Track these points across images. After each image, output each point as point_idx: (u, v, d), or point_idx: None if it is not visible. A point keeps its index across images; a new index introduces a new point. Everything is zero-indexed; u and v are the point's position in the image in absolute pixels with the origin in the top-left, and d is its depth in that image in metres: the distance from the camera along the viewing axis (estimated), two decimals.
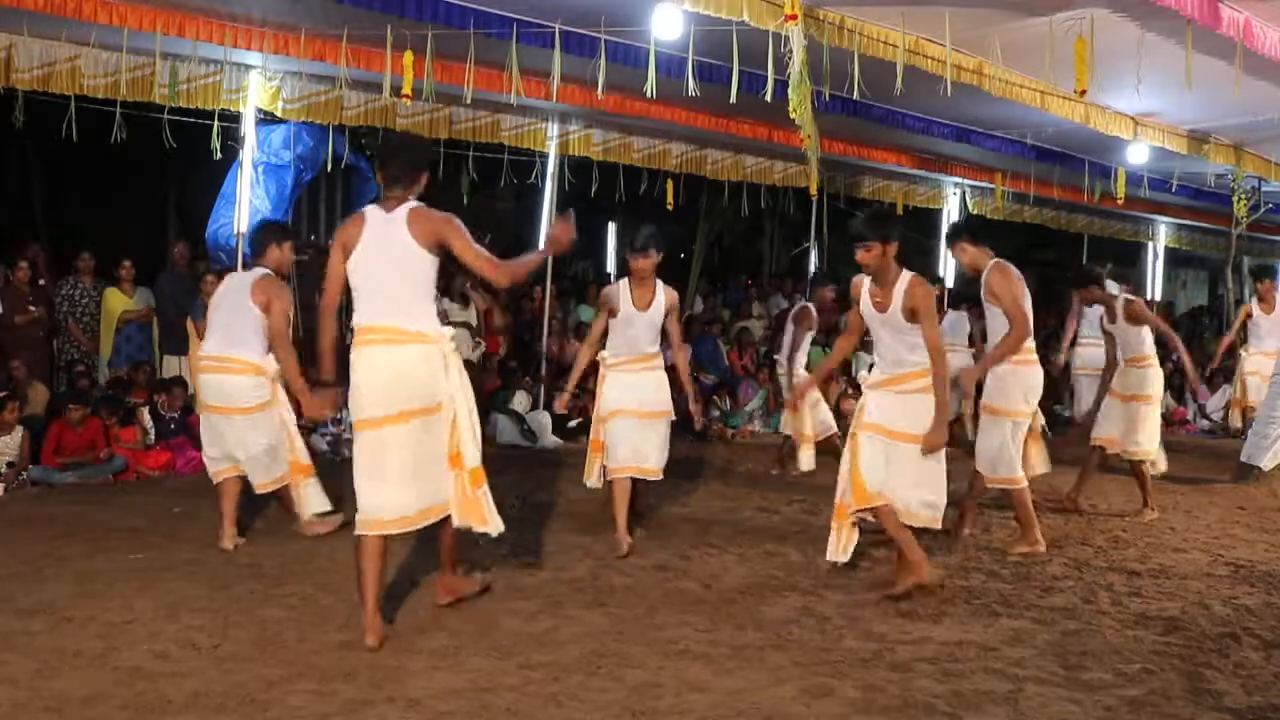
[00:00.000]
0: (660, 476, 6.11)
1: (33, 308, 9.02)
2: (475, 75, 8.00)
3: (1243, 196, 12.25)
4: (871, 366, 5.42)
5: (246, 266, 7.15)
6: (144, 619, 4.56)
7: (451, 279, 10.29)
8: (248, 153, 9.15)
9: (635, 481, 6.07)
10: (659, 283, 6.03)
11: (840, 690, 3.92)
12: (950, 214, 14.73)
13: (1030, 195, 14.23)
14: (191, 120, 8.83)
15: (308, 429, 8.24)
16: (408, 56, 7.64)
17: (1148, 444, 7.26)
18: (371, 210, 4.42)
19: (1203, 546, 6.43)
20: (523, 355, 11.43)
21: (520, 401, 10.31)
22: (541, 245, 4.60)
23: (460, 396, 4.36)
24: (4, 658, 4.07)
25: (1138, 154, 11.05)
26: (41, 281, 9.40)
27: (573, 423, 9.99)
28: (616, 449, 5.98)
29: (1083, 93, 7.50)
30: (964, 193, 14.65)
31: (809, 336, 8.61)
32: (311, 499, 6.00)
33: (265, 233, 6.16)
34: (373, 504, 4.33)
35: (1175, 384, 11.92)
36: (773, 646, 4.38)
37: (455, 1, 7.13)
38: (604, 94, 8.22)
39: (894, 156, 12.49)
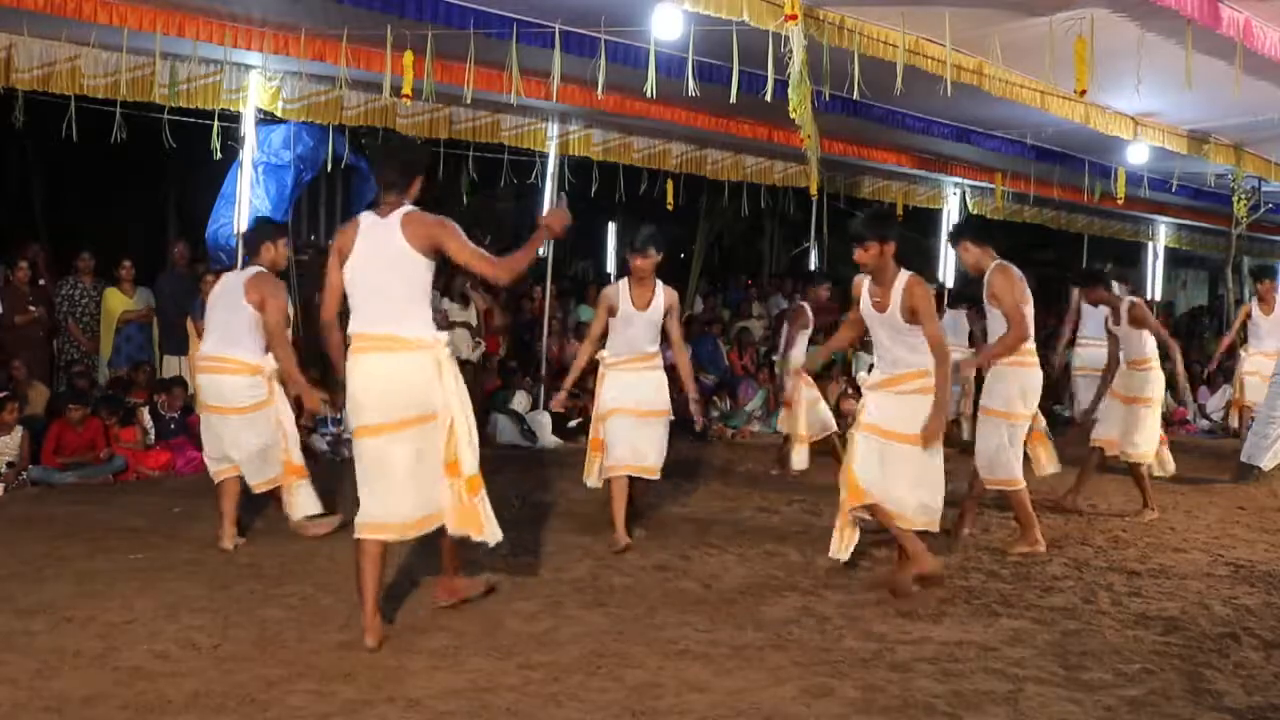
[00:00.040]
0: (658, 476, 6.12)
1: (33, 308, 9.02)
2: (475, 75, 7.99)
3: (1243, 196, 12.24)
4: (871, 368, 5.44)
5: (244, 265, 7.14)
6: (144, 619, 4.57)
7: (451, 279, 10.30)
8: (248, 153, 9.15)
9: (634, 481, 6.08)
10: (659, 283, 6.05)
11: (840, 690, 3.92)
12: (950, 214, 14.73)
13: (1030, 195, 14.22)
14: (191, 120, 8.82)
15: (308, 429, 8.24)
16: (408, 56, 7.64)
17: (1146, 446, 7.27)
18: (366, 216, 4.41)
19: (1203, 546, 6.43)
20: (523, 355, 11.43)
21: (520, 401, 10.31)
22: (533, 241, 4.53)
23: (456, 403, 4.32)
24: (4, 658, 4.07)
25: (1138, 154, 11.04)
26: (41, 281, 9.40)
27: (573, 422, 9.99)
28: (614, 447, 6.00)
29: (1083, 93, 7.49)
30: (964, 193, 14.65)
31: (804, 335, 8.58)
32: (303, 501, 5.97)
33: (259, 230, 6.15)
34: (371, 510, 4.33)
35: (1175, 384, 11.91)
36: (773, 646, 4.38)
37: (455, 1, 7.12)
38: (604, 94, 8.21)
39: (894, 156, 12.48)
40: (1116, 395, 7.35)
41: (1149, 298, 16.35)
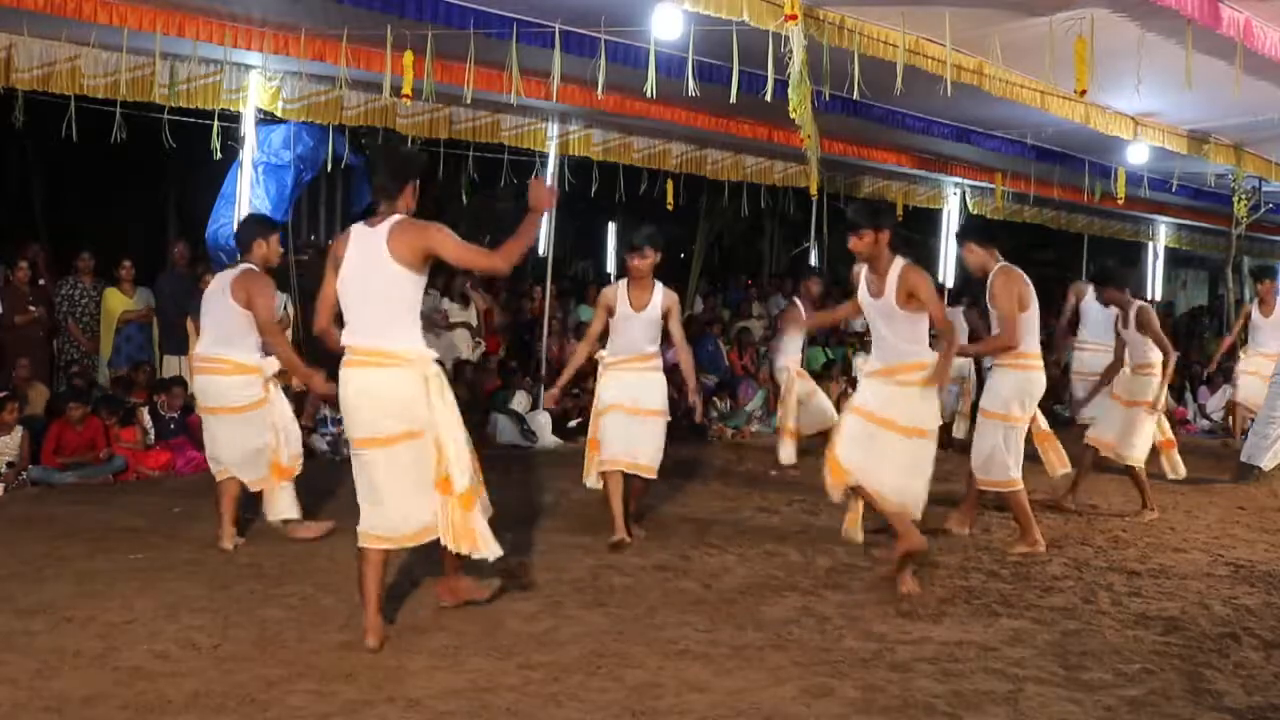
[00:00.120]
0: (653, 475, 6.13)
1: (33, 308, 9.02)
2: (475, 75, 7.99)
3: (1243, 196, 12.25)
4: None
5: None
6: (144, 619, 4.57)
7: (451, 279, 10.30)
8: (248, 153, 9.15)
9: (631, 480, 6.08)
10: (658, 284, 6.06)
11: (840, 690, 3.92)
12: (950, 214, 14.73)
13: (1030, 195, 14.22)
14: (191, 120, 8.82)
15: (308, 429, 8.24)
16: (408, 56, 7.64)
17: (1141, 450, 7.28)
18: (358, 227, 4.38)
19: (1203, 546, 6.43)
20: (523, 355, 11.44)
21: (520, 401, 10.31)
22: (527, 224, 4.44)
23: (445, 419, 4.26)
24: (4, 658, 4.07)
25: (1138, 154, 11.05)
26: (41, 281, 9.40)
27: (573, 422, 9.99)
28: (609, 443, 6.03)
29: (1083, 93, 7.49)
30: (964, 193, 14.64)
31: (797, 331, 8.54)
32: (281, 504, 5.92)
33: (250, 227, 6.08)
34: (369, 520, 4.34)
35: (1176, 384, 11.91)
36: (773, 646, 4.38)
37: (455, 1, 7.12)
38: (604, 94, 8.21)
39: (894, 156, 12.48)
40: (1117, 398, 7.35)
41: (1149, 298, 16.34)
